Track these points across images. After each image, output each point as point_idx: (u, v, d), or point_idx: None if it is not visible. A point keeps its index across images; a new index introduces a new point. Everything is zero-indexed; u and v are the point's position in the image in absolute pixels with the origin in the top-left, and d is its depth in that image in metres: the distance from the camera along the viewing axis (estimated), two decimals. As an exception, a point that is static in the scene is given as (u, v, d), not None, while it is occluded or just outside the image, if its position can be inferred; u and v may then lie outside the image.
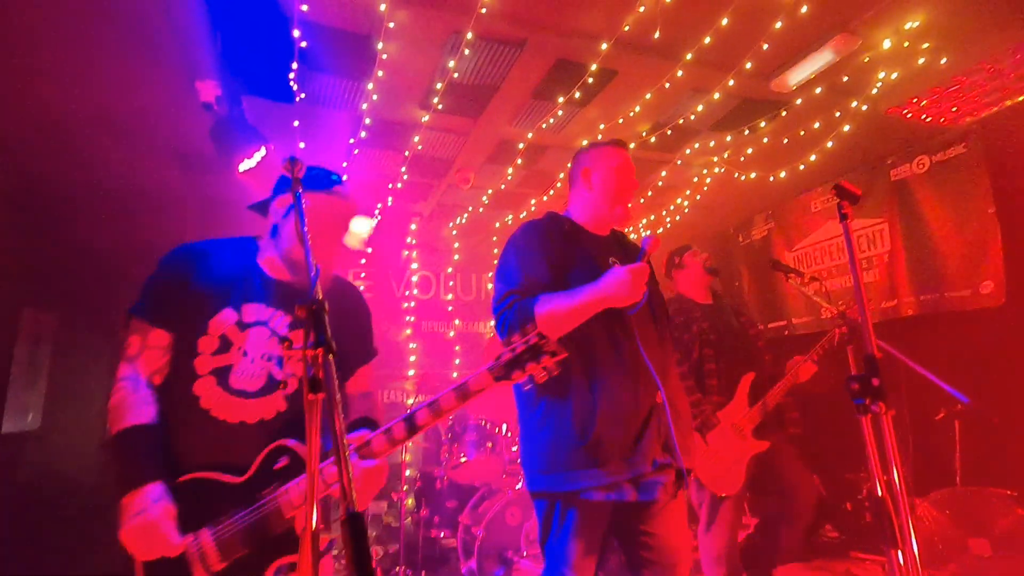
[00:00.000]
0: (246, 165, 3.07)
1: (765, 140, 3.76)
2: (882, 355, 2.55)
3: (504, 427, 3.51)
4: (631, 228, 5.56)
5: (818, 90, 3.18)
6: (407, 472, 4.75)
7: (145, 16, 2.40)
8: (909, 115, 3.50)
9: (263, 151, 2.98)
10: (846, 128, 3.47)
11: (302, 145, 3.43)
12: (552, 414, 1.59)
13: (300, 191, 1.22)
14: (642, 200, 4.74)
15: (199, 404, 1.37)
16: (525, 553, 3.10)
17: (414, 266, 5.50)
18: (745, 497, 2.67)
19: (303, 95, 3.02)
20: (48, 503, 3.84)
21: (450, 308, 5.62)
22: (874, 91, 3.19)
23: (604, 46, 2.74)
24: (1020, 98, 3.31)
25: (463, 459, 3.40)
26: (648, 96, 3.19)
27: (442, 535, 3.81)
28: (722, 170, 4.18)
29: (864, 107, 3.31)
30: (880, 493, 1.26)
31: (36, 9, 2.38)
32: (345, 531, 0.65)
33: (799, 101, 3.29)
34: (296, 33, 2.51)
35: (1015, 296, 3.33)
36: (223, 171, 3.47)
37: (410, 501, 4.17)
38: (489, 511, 3.21)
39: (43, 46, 2.59)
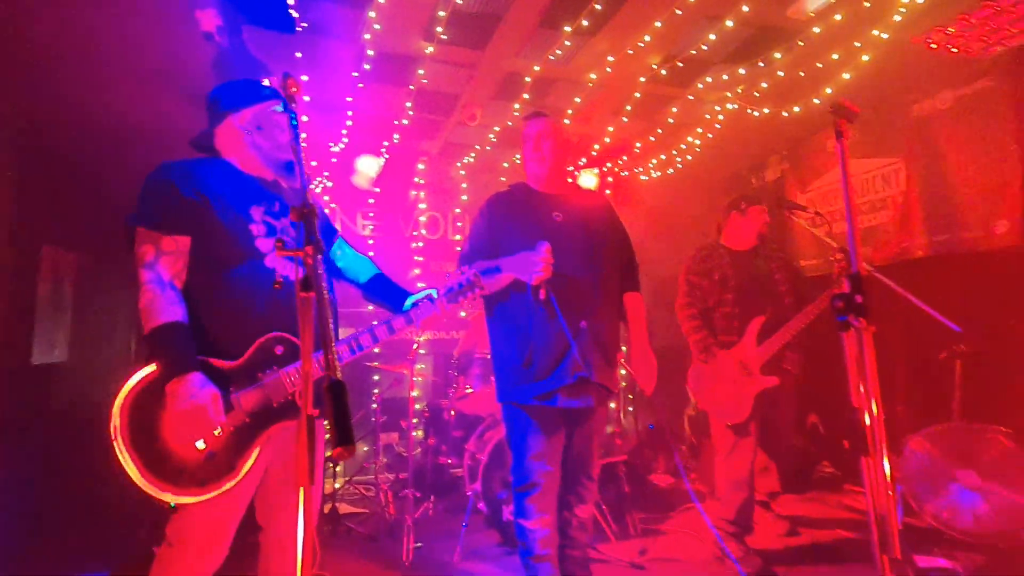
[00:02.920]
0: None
1: (780, 73, 3.62)
2: (875, 285, 2.57)
3: (509, 362, 3.61)
4: (641, 169, 5.47)
5: (837, 16, 3.04)
6: (416, 406, 4.93)
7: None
8: (934, 45, 3.32)
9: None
10: (864, 58, 3.32)
11: (305, 78, 3.39)
12: (505, 346, 2.15)
13: (294, 108, 1.26)
14: (652, 139, 4.64)
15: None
16: (527, 478, 3.25)
17: (422, 206, 5.50)
18: (756, 427, 2.83)
19: (304, 24, 2.96)
20: (78, 428, 4.08)
21: (458, 249, 5.60)
22: (897, 18, 3.03)
23: (612, -32, 2.64)
24: (1056, 25, 3.12)
25: (468, 390, 3.53)
26: (658, 24, 3.07)
27: (449, 462, 4.00)
28: (735, 106, 4.06)
29: (885, 36, 3.15)
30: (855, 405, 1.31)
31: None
32: (327, 394, 0.74)
33: (817, 29, 3.15)
34: (292, -45, 2.44)
35: (1031, 236, 3.26)
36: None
37: (419, 432, 4.35)
38: (493, 439, 3.35)
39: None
